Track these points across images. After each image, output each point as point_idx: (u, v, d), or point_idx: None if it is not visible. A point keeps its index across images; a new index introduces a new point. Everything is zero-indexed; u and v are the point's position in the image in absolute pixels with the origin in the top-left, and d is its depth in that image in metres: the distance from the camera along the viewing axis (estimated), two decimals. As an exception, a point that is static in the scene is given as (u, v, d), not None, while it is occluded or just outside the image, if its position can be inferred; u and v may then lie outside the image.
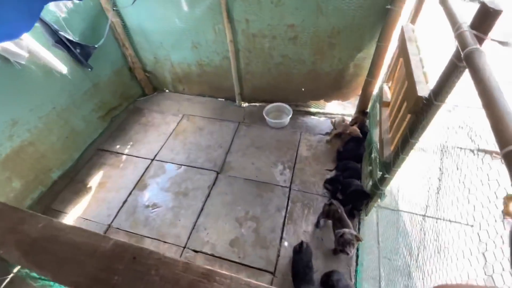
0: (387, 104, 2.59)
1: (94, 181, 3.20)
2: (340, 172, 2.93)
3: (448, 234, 2.56)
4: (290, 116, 3.54)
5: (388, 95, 2.64)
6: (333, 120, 3.45)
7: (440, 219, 2.69)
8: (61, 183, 3.16)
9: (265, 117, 3.54)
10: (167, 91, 4.38)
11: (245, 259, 2.44)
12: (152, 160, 3.34)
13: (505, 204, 2.69)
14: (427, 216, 2.75)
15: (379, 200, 2.38)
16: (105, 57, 3.53)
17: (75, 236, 0.69)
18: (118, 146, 3.57)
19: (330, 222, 2.49)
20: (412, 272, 2.45)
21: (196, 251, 2.52)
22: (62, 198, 3.05)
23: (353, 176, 2.83)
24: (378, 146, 2.39)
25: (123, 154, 3.46)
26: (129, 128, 3.80)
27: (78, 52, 2.99)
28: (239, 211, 2.76)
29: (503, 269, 1.33)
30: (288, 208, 2.75)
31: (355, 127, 3.17)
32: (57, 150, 3.12)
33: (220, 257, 2.46)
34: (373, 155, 2.63)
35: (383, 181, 2.19)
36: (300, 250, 2.12)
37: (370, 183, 2.59)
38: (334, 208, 2.33)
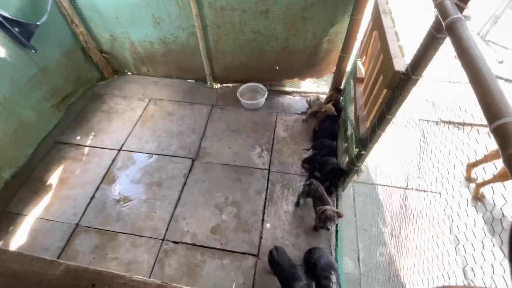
0: (361, 81, 2.58)
1: (54, 177, 2.89)
2: (317, 151, 2.94)
3: (418, 202, 2.73)
4: (265, 96, 3.42)
5: (362, 71, 2.61)
6: (308, 99, 3.41)
7: (411, 189, 2.85)
8: (15, 183, 2.81)
9: (240, 98, 3.39)
10: (129, 73, 3.99)
11: (228, 244, 2.41)
12: (119, 150, 3.08)
13: (468, 171, 2.91)
14: (399, 188, 2.89)
15: (355, 175, 2.43)
16: (52, 37, 3.06)
17: (14, 263, 0.54)
18: (78, 138, 3.23)
19: (309, 200, 2.52)
20: (387, 240, 2.61)
21: (176, 242, 2.43)
22: (19, 199, 2.73)
23: (329, 154, 2.85)
24: (354, 123, 2.40)
25: (85, 146, 3.14)
26: (90, 117, 3.44)
27: (17, 32, 2.55)
28: (219, 197, 2.68)
29: (467, 228, 1.41)
30: (268, 190, 2.73)
31: (330, 105, 3.16)
32: (6, 147, 2.73)
33: (202, 246, 2.41)
34: (348, 132, 2.65)
35: (359, 157, 2.22)
36: (274, 259, 2.02)
37: (347, 159, 2.63)
38: (314, 187, 2.34)
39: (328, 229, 2.15)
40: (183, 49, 3.39)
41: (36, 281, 0.51)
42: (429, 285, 1.78)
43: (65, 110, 3.43)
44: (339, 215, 2.14)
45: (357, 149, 2.23)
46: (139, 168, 2.91)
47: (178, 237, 2.45)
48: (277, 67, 3.38)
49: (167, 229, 2.50)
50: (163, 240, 2.44)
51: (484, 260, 1.23)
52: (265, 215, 2.56)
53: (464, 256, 2.14)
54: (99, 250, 2.37)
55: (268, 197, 2.68)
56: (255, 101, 3.40)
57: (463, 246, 1.30)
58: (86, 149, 3.11)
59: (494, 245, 1.21)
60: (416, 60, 1.36)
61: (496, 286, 1.09)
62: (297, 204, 2.61)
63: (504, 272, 1.04)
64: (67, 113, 3.44)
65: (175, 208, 2.62)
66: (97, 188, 2.77)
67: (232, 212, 2.59)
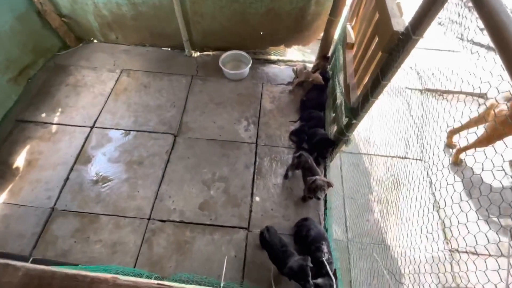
0: (351, 46, 2.45)
1: (20, 159, 2.61)
2: (305, 122, 2.87)
3: (402, 169, 2.80)
4: (249, 65, 3.20)
5: (352, 35, 2.47)
6: (295, 68, 3.25)
7: (395, 156, 2.91)
8: (-27, 168, 2.52)
9: (222, 67, 3.15)
10: (95, 41, 3.55)
11: (218, 220, 2.36)
12: (92, 127, 2.81)
13: (449, 137, 2.99)
14: (385, 156, 2.94)
15: (344, 145, 2.40)
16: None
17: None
18: (44, 115, 2.90)
19: (298, 172, 2.49)
20: (373, 206, 2.69)
21: (163, 221, 2.34)
22: (-19, 185, 2.46)
23: (317, 125, 2.79)
24: (344, 92, 2.31)
25: (52, 123, 2.83)
26: (55, 91, 3.08)
27: None
28: (205, 173, 2.58)
29: (447, 193, 1.44)
30: (256, 164, 2.66)
31: (317, 74, 3.03)
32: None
33: (190, 223, 2.34)
34: (338, 102, 2.58)
35: (349, 127, 2.16)
36: (266, 239, 2.00)
37: (335, 129, 2.59)
38: (304, 159, 2.30)
39: (318, 199, 2.15)
40: (155, 12, 3.02)
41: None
42: (412, 247, 1.86)
43: (24, 84, 3.04)
44: (329, 185, 2.14)
45: (347, 119, 2.17)
46: (116, 146, 2.70)
47: (164, 215, 2.36)
48: (261, 32, 3.13)
49: (152, 208, 2.39)
50: (149, 219, 2.34)
51: (459, 222, 1.27)
52: (254, 189, 2.52)
53: (443, 220, 2.26)
54: (80, 233, 2.23)
55: (256, 170, 2.62)
56: (239, 70, 3.19)
57: (444, 210, 1.34)
58: (54, 127, 2.82)
59: (470, 208, 1.25)
60: (418, 18, 1.25)
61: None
62: (285, 177, 2.58)
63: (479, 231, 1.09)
64: (28, 88, 3.05)
65: (159, 186, 2.50)
66: (71, 169, 2.55)
67: (221, 188, 2.51)
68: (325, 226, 2.38)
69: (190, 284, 1.88)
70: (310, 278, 1.64)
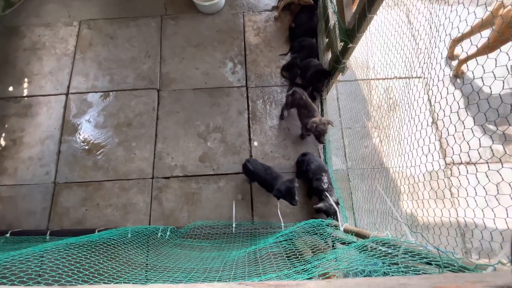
0: None
1: (3, 140, 2.49)
2: (296, 53, 2.60)
3: (400, 89, 2.67)
4: (225, -8, 2.73)
5: None
6: (278, -13, 2.77)
7: (394, 78, 2.74)
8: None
9: (193, 0, 2.69)
10: (38, -12, 2.97)
11: (220, 169, 2.38)
12: (67, 94, 2.59)
13: (451, 48, 2.76)
14: (383, 79, 2.77)
15: (340, 74, 2.22)
16: None
17: None
18: (11, 88, 2.64)
19: (293, 110, 2.39)
20: (371, 132, 2.68)
21: (167, 178, 2.37)
22: (-25, 171, 2.41)
23: (310, 55, 2.54)
24: (337, 10, 2.00)
25: (23, 97, 2.60)
26: (13, 60, 2.73)
27: None
28: (199, 126, 2.48)
29: (447, 103, 1.37)
30: (250, 108, 2.53)
31: (304, -8, 2.60)
32: None
33: (194, 175, 2.37)
34: (330, 24, 2.27)
35: (345, 52, 1.95)
36: (249, 168, 2.08)
37: (329, 57, 2.36)
38: (298, 96, 2.16)
39: (323, 143, 2.12)
40: None
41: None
42: (409, 166, 1.89)
43: (-26, 56, 2.67)
44: (330, 123, 2.07)
45: (343, 43, 1.93)
46: (99, 110, 2.53)
47: (167, 172, 2.37)
48: None
49: (153, 167, 2.39)
50: (152, 178, 2.37)
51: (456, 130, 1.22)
52: (251, 134, 2.46)
53: (441, 132, 2.25)
54: (89, 201, 2.29)
55: (251, 115, 2.51)
56: (213, 1, 2.73)
57: (443, 121, 1.26)
58: (26, 100, 2.59)
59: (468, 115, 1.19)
60: None
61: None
62: (281, 117, 2.48)
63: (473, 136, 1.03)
64: (-20, 59, 2.69)
65: (155, 145, 2.44)
66: (60, 142, 2.46)
67: (217, 138, 2.45)
68: (324, 159, 2.41)
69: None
70: (296, 197, 1.86)
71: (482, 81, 1.04)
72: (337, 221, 1.83)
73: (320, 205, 1.95)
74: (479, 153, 1.11)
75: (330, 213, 1.90)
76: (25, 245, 1.45)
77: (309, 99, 2.18)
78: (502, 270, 0.65)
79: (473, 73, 1.11)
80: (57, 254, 1.00)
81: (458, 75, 2.72)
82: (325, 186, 2.02)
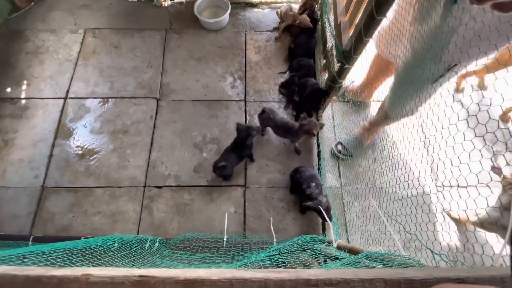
0: (341, -22, 2.15)
1: (-5, 141, 2.45)
2: (294, 72, 2.69)
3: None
4: (229, 11, 2.86)
5: (342, -36, 2.16)
6: (279, 10, 2.93)
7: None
8: None
9: (198, 16, 2.81)
10: (48, -4, 3.06)
11: (214, 181, 2.37)
12: (65, 98, 2.59)
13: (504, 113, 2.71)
14: (376, 101, 2.86)
15: (337, 93, 2.30)
16: None
17: None
18: (9, 90, 2.64)
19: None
20: (365, 151, 2.72)
21: (159, 187, 2.33)
22: (-40, 171, 2.34)
23: (307, 74, 2.63)
24: (335, 33, 2.11)
25: (20, 98, 2.59)
26: (15, 61, 2.75)
27: None
28: (196, 136, 2.49)
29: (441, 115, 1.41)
30: (247, 121, 2.57)
31: (304, 16, 2.74)
32: None
33: (187, 186, 2.34)
34: (328, 46, 2.38)
35: (342, 72, 2.03)
36: (220, 167, 2.16)
37: (326, 77, 2.45)
38: (266, 116, 2.25)
39: (314, 135, 2.19)
40: (110, -48, 2.54)
41: None
42: (401, 185, 1.92)
43: (-24, 56, 2.69)
44: (320, 126, 2.20)
45: (339, 64, 2.02)
46: (96, 116, 2.53)
47: (160, 181, 2.34)
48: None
49: (146, 176, 2.35)
50: (144, 187, 2.33)
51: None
52: (247, 147, 2.47)
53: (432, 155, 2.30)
54: (76, 208, 2.22)
55: (247, 128, 2.54)
56: (218, 18, 2.86)
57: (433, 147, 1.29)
58: (23, 102, 2.58)
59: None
60: None
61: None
62: (261, 133, 2.50)
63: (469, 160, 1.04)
64: (-19, 60, 2.70)
65: (150, 153, 2.42)
66: (53, 145, 2.42)
67: (213, 149, 2.46)
68: (319, 175, 2.42)
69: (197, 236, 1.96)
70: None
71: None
72: (330, 219, 1.86)
73: (309, 203, 1.98)
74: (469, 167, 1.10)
75: (320, 209, 1.92)
76: (5, 249, 1.38)
77: (284, 117, 2.26)
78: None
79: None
80: (41, 256, 0.96)
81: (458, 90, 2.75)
82: (316, 190, 2.06)
